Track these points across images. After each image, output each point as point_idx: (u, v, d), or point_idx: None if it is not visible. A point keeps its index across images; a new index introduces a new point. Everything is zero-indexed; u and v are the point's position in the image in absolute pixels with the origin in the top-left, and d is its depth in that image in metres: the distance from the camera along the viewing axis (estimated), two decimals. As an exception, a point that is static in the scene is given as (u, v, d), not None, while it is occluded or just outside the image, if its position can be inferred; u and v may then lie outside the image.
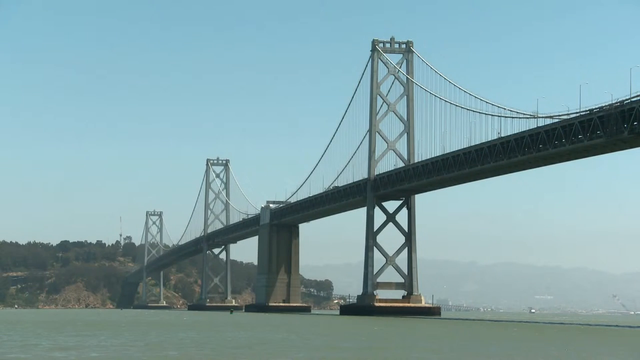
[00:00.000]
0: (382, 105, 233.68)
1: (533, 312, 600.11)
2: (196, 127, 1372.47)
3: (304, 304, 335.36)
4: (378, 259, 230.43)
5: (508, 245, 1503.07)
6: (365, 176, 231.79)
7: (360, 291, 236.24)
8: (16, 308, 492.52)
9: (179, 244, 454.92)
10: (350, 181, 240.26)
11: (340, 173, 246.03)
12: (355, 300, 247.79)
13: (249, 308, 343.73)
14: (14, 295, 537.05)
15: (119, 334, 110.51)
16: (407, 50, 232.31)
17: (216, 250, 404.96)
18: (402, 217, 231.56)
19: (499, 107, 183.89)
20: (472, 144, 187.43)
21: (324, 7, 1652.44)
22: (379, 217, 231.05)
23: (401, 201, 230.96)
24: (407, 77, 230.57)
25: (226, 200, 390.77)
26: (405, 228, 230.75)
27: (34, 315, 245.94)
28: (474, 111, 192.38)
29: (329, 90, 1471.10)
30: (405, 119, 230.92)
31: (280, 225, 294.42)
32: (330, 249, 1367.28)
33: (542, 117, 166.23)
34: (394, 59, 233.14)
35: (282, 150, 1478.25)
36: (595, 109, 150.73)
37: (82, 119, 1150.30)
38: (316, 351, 77.41)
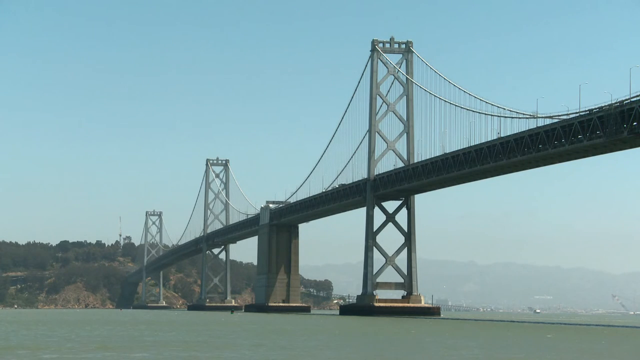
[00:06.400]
0: (381, 105, 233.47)
1: (537, 313, 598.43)
2: (196, 127, 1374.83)
3: (304, 304, 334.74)
4: (378, 259, 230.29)
5: (507, 246, 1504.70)
6: (365, 176, 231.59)
7: (360, 291, 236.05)
8: (15, 308, 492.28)
9: (178, 244, 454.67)
10: (350, 181, 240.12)
11: (340, 173, 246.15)
12: (354, 300, 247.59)
13: (249, 308, 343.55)
14: (14, 295, 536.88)
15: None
16: (406, 50, 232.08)
17: (216, 251, 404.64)
18: (402, 217, 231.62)
19: (498, 107, 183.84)
20: (472, 144, 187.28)
21: (324, 7, 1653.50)
22: (379, 217, 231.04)
23: (401, 201, 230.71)
24: (406, 77, 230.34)
25: (226, 201, 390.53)
26: (405, 228, 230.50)
27: (51, 315, 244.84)
28: (473, 111, 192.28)
29: (329, 90, 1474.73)
30: (405, 119, 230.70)
31: (280, 225, 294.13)
32: (330, 249, 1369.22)
33: (542, 117, 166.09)
34: (393, 59, 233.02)
35: (282, 150, 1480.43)
36: (595, 109, 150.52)
37: (82, 119, 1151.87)
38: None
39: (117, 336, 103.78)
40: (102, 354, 73.48)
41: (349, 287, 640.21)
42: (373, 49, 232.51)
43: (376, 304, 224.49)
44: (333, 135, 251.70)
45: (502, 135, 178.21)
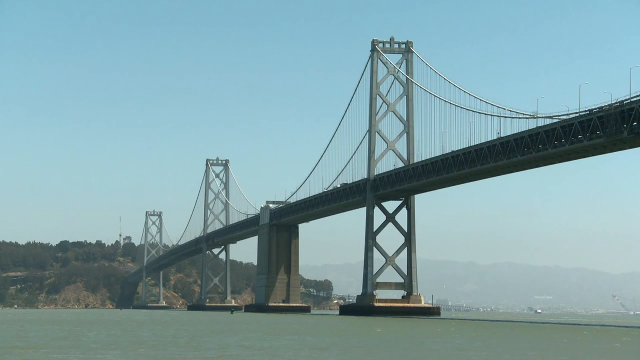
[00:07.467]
0: (381, 105, 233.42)
1: (538, 313, 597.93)
2: (196, 127, 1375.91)
3: (304, 304, 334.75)
4: (378, 259, 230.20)
5: (507, 246, 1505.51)
6: (365, 176, 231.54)
7: (360, 291, 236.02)
8: (15, 308, 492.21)
9: (178, 244, 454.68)
10: (350, 181, 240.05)
11: (340, 173, 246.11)
12: (354, 300, 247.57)
13: (249, 308, 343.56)
14: (14, 295, 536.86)
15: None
16: (406, 50, 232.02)
17: (216, 251, 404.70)
18: (402, 217, 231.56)
19: (498, 107, 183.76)
20: (472, 144, 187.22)
21: (324, 7, 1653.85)
22: (379, 217, 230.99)
23: (401, 201, 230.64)
24: (406, 77, 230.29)
25: (226, 200, 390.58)
26: (405, 228, 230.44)
27: (51, 315, 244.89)
28: (473, 111, 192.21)
29: (329, 90, 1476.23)
30: (405, 119, 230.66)
31: (280, 225, 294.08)
32: (330, 249, 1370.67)
33: (542, 117, 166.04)
34: (393, 59, 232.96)
35: (282, 150, 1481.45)
36: (595, 109, 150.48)
37: (82, 119, 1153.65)
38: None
39: (118, 336, 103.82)
40: (106, 354, 73.47)
41: (349, 287, 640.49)
42: (373, 49, 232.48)
43: (376, 304, 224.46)
44: (333, 135, 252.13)
45: (502, 135, 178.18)
